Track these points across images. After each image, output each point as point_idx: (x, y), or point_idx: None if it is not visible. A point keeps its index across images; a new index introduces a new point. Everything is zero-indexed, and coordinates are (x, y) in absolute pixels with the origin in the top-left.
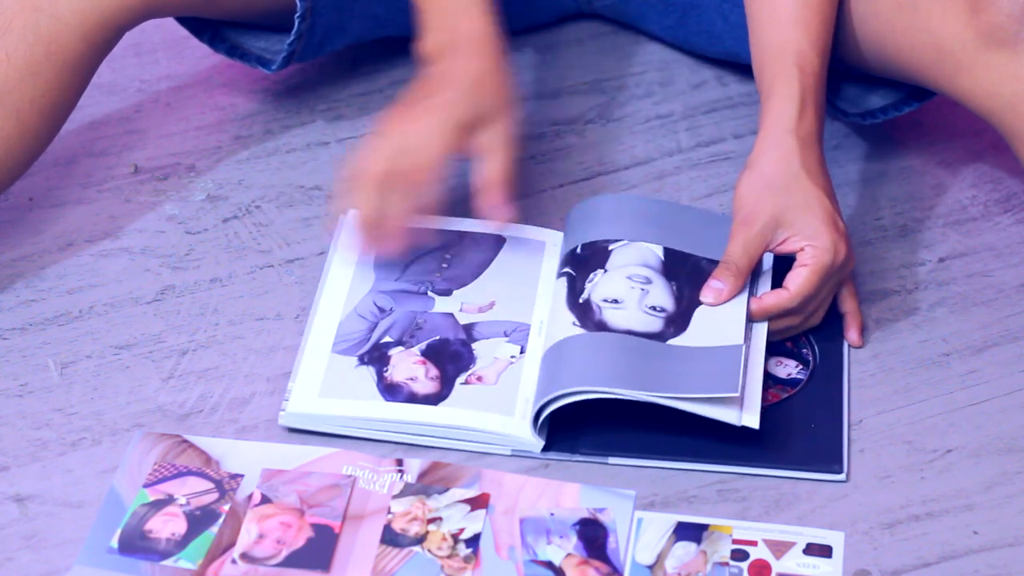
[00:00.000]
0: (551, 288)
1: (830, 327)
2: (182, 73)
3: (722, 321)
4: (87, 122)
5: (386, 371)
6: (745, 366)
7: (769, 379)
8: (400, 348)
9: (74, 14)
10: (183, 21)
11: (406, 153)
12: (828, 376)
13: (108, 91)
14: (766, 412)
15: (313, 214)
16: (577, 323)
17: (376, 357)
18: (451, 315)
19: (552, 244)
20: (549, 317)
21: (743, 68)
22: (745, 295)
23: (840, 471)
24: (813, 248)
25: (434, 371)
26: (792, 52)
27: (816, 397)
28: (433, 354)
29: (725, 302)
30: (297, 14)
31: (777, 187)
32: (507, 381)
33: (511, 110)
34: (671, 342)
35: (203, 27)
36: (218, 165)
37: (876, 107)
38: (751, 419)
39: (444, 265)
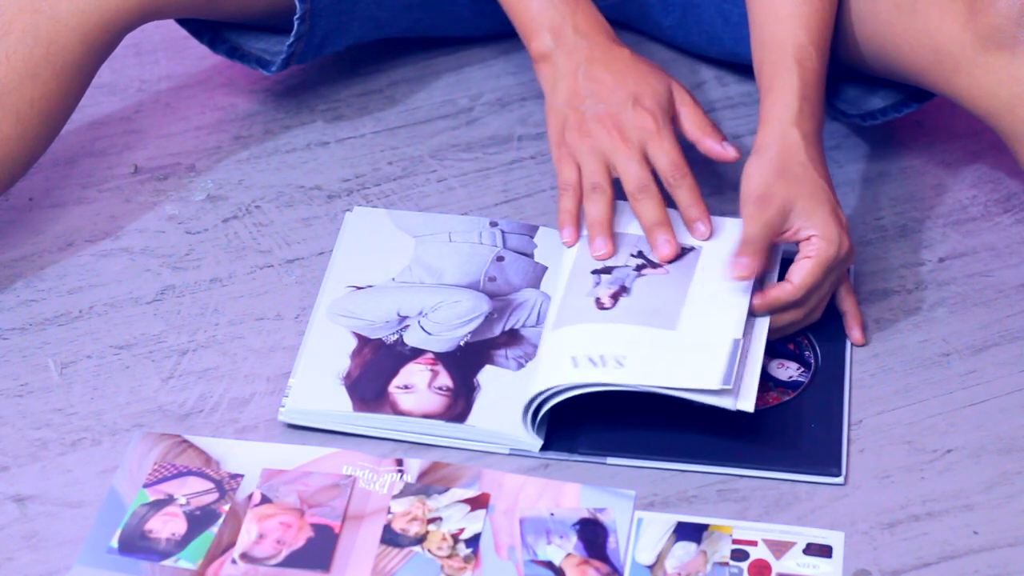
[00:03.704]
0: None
1: (832, 328)
2: (182, 73)
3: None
4: (87, 122)
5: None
6: (742, 359)
7: (770, 381)
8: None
9: (74, 16)
10: (183, 22)
11: (640, 96)
12: (829, 379)
13: (108, 91)
14: (767, 414)
15: (313, 214)
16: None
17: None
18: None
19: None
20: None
21: (743, 68)
22: (742, 289)
23: (838, 474)
24: (819, 239)
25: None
26: (791, 47)
27: (817, 400)
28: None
29: (753, 276)
30: (296, 16)
31: (789, 174)
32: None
33: (664, 72)
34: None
35: (203, 28)
36: (218, 165)
37: (876, 108)
38: (746, 403)
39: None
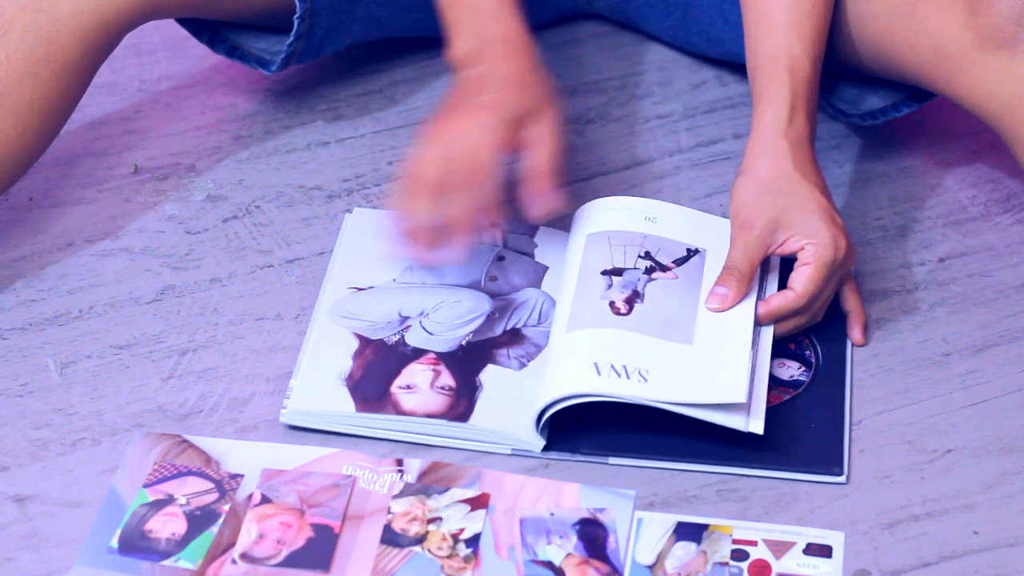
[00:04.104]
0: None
1: (833, 328)
2: (182, 73)
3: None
4: (87, 122)
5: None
6: (752, 372)
7: (771, 381)
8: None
9: (74, 16)
10: (183, 22)
11: (460, 155)
12: (830, 377)
13: (108, 91)
14: (768, 413)
15: (313, 214)
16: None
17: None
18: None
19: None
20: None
21: (743, 68)
22: (752, 300)
23: (840, 473)
24: (814, 246)
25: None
26: (784, 57)
27: (818, 398)
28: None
29: (731, 307)
30: (296, 15)
31: (773, 190)
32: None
33: (554, 103)
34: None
35: (203, 28)
36: (218, 165)
37: (876, 108)
38: (756, 425)
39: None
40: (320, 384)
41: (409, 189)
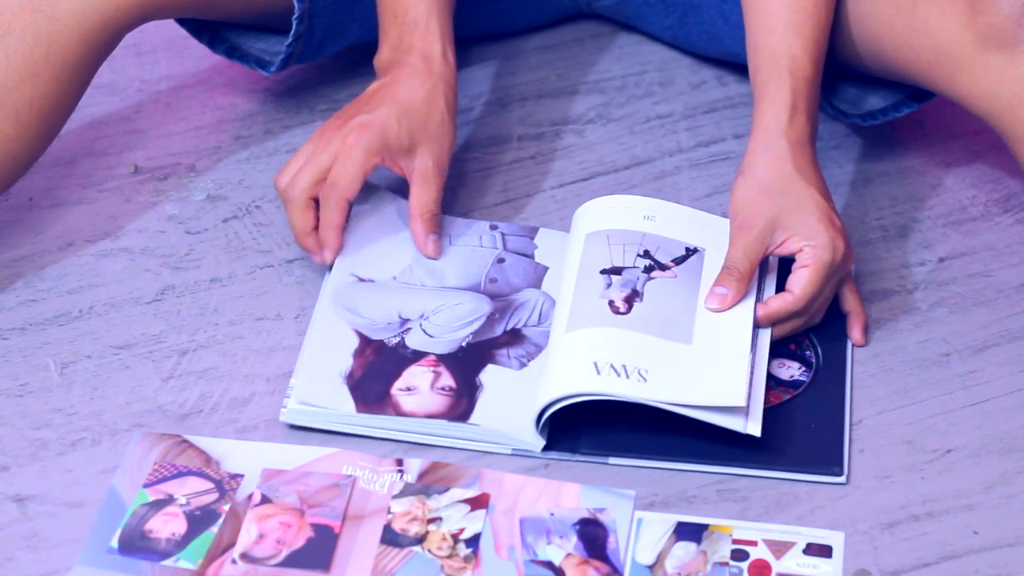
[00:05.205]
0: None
1: (833, 328)
2: (182, 73)
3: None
4: (87, 122)
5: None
6: (751, 374)
7: (772, 381)
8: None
9: (74, 16)
10: (182, 22)
11: (330, 168)
12: (831, 378)
13: (108, 91)
14: (768, 413)
15: None
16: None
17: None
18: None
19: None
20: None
21: (743, 68)
22: (751, 301)
23: (840, 473)
24: (812, 247)
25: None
26: (784, 56)
27: (818, 399)
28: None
29: (731, 307)
30: (295, 16)
31: (772, 190)
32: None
33: (444, 138)
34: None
35: (202, 28)
36: (218, 165)
37: (876, 108)
38: (754, 427)
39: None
40: (320, 382)
41: (284, 195)
